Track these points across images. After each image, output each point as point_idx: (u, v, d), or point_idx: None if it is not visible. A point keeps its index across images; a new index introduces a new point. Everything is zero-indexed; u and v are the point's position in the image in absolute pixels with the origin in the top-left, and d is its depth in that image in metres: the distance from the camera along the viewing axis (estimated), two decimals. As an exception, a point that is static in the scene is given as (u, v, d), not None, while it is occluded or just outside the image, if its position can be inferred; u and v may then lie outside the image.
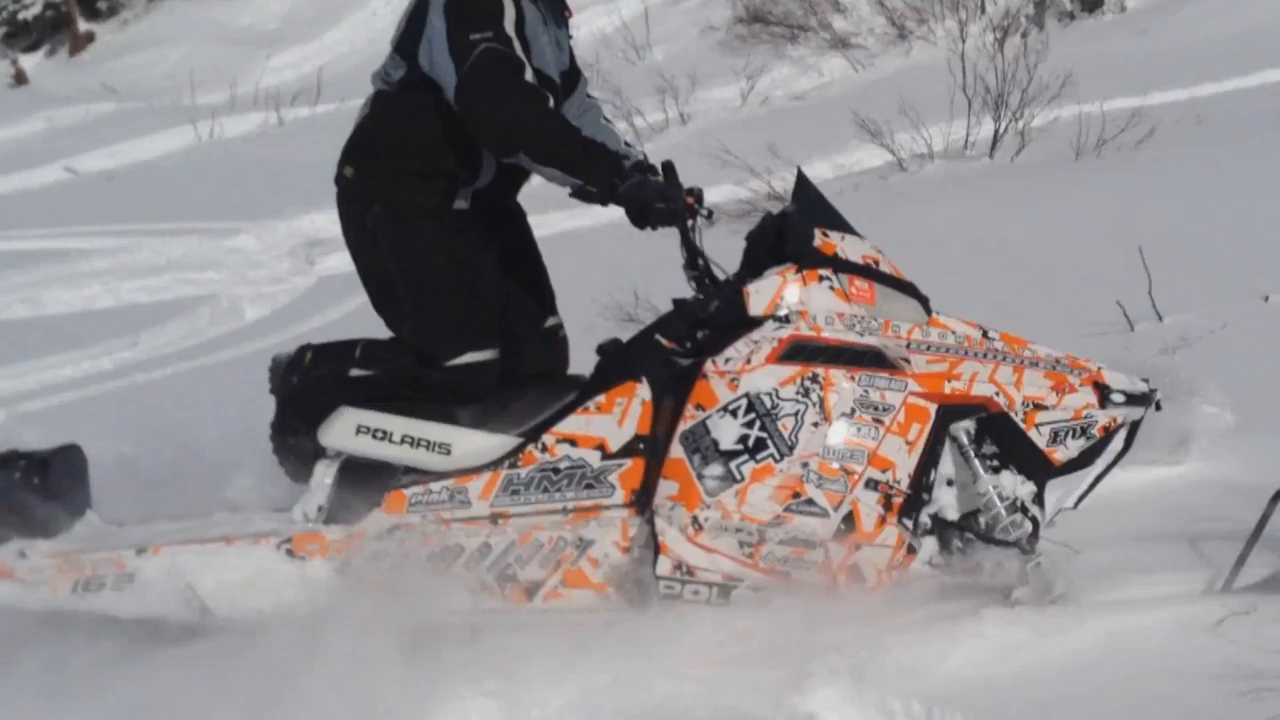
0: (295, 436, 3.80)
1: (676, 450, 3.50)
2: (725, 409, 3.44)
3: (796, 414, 3.40)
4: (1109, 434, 3.53)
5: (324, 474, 3.73)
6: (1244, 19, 13.35)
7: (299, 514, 3.72)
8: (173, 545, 3.66)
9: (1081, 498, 3.66)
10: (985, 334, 3.59)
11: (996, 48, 11.64)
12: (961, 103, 10.97)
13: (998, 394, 3.47)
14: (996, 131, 10.85)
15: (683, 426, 3.50)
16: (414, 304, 3.76)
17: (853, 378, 3.42)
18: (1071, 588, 3.43)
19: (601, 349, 3.80)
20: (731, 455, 3.43)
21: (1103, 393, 3.53)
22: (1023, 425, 3.49)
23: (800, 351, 3.45)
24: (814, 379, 3.42)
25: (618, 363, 3.72)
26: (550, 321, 4.05)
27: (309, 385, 3.83)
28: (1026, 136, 10.69)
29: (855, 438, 3.40)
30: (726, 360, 3.48)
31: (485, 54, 3.45)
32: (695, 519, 3.43)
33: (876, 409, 3.40)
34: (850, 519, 3.41)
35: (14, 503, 3.72)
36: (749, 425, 3.42)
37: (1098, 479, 3.63)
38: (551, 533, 3.57)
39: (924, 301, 3.63)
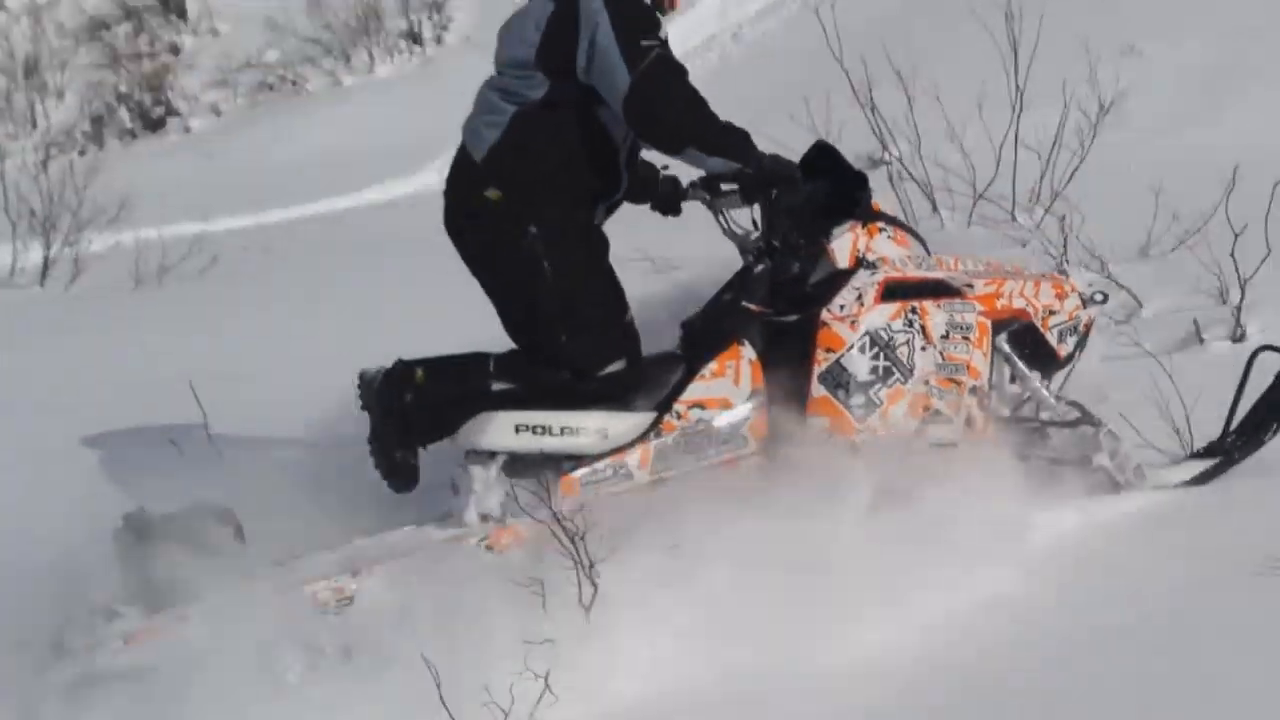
0: (407, 449, 4.00)
1: (818, 390, 4.09)
2: (853, 347, 4.09)
3: (908, 342, 4.12)
4: (1087, 329, 4.45)
5: (486, 475, 4.03)
6: (308, 145, 13.70)
7: (472, 516, 4.01)
8: (383, 563, 3.84)
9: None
10: (990, 261, 4.58)
11: (40, 167, 10.92)
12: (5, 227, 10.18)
13: (1028, 305, 4.30)
14: (46, 258, 10.20)
15: (818, 369, 4.09)
16: (571, 319, 3.97)
17: (940, 305, 4.16)
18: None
19: (687, 324, 4.31)
20: (869, 385, 4.09)
21: (1080, 296, 4.47)
22: (1042, 330, 4.31)
23: (896, 290, 4.16)
24: (914, 311, 4.14)
25: (711, 332, 4.22)
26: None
27: (440, 399, 4.01)
28: (80, 264, 10.13)
29: (955, 354, 4.15)
30: (841, 307, 4.12)
31: (658, 59, 3.79)
32: (853, 444, 4.05)
33: (962, 329, 4.17)
34: (969, 421, 4.20)
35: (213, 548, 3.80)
36: (875, 358, 4.09)
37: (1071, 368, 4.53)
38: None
39: (924, 242, 4.44)
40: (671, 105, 3.81)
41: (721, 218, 4.38)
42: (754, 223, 4.30)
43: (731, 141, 3.88)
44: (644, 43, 3.80)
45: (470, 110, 4.10)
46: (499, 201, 3.93)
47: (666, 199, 4.48)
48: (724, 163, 3.90)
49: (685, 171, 4.17)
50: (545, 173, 3.92)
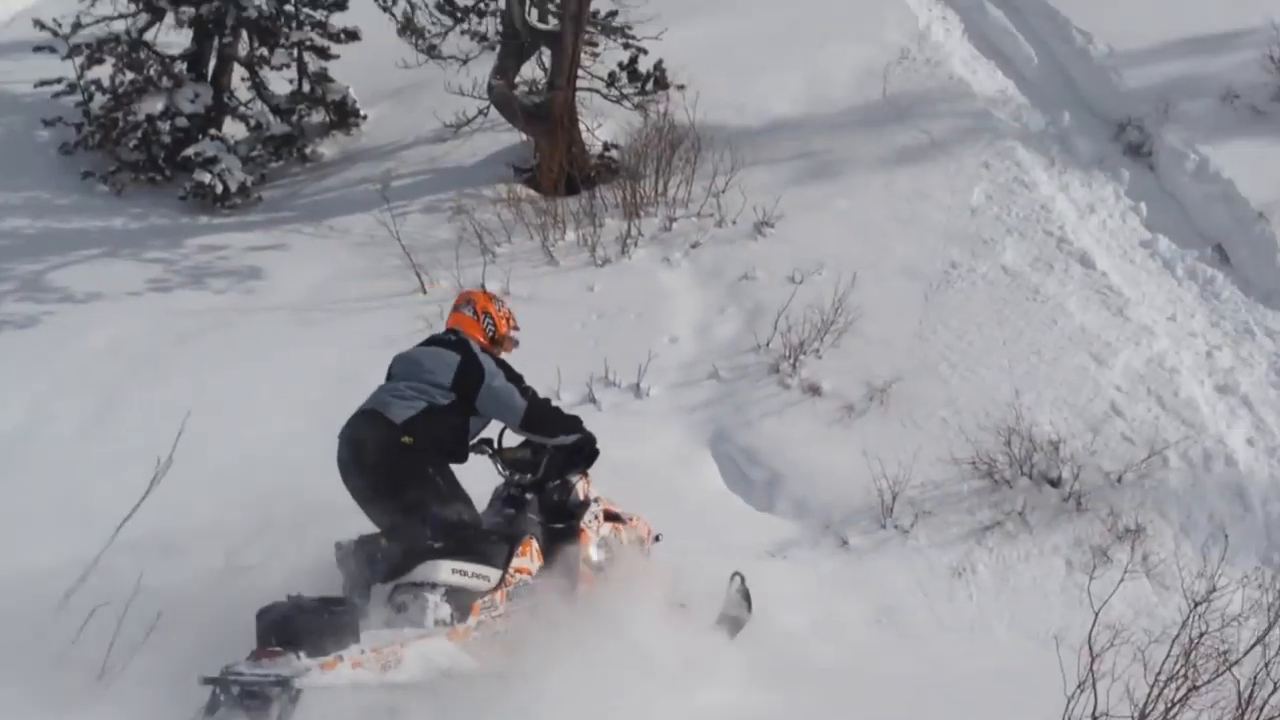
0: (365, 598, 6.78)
1: (581, 565, 7.46)
2: (593, 544, 7.60)
3: (615, 539, 7.79)
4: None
5: (436, 600, 6.86)
6: None
7: (431, 622, 6.78)
8: (410, 643, 6.52)
9: None
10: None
11: None
12: None
13: (631, 518, 8.04)
14: None
15: (583, 551, 7.47)
16: (451, 511, 6.98)
17: (624, 524, 7.91)
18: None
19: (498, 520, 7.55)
20: (601, 562, 7.59)
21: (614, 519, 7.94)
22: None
23: (608, 516, 7.83)
24: (617, 526, 7.85)
25: (515, 530, 7.35)
26: None
27: (403, 551, 6.80)
28: None
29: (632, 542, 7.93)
30: (588, 522, 7.64)
31: (534, 394, 7.43)
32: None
33: (634, 535, 7.98)
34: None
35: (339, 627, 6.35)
36: (601, 548, 7.63)
37: None
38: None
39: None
40: (553, 418, 7.54)
41: (498, 464, 7.80)
42: (499, 470, 7.88)
43: (576, 430, 7.58)
44: (524, 385, 7.43)
45: (382, 385, 7.37)
46: (410, 445, 6.99)
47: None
48: (569, 437, 7.55)
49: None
50: (439, 440, 7.17)
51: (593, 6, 16.00)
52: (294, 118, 17.14)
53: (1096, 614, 7.42)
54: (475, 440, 7.54)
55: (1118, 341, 12.03)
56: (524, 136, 16.02)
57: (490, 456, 7.76)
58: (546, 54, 16.18)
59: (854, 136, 15.77)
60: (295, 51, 17.11)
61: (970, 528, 10.21)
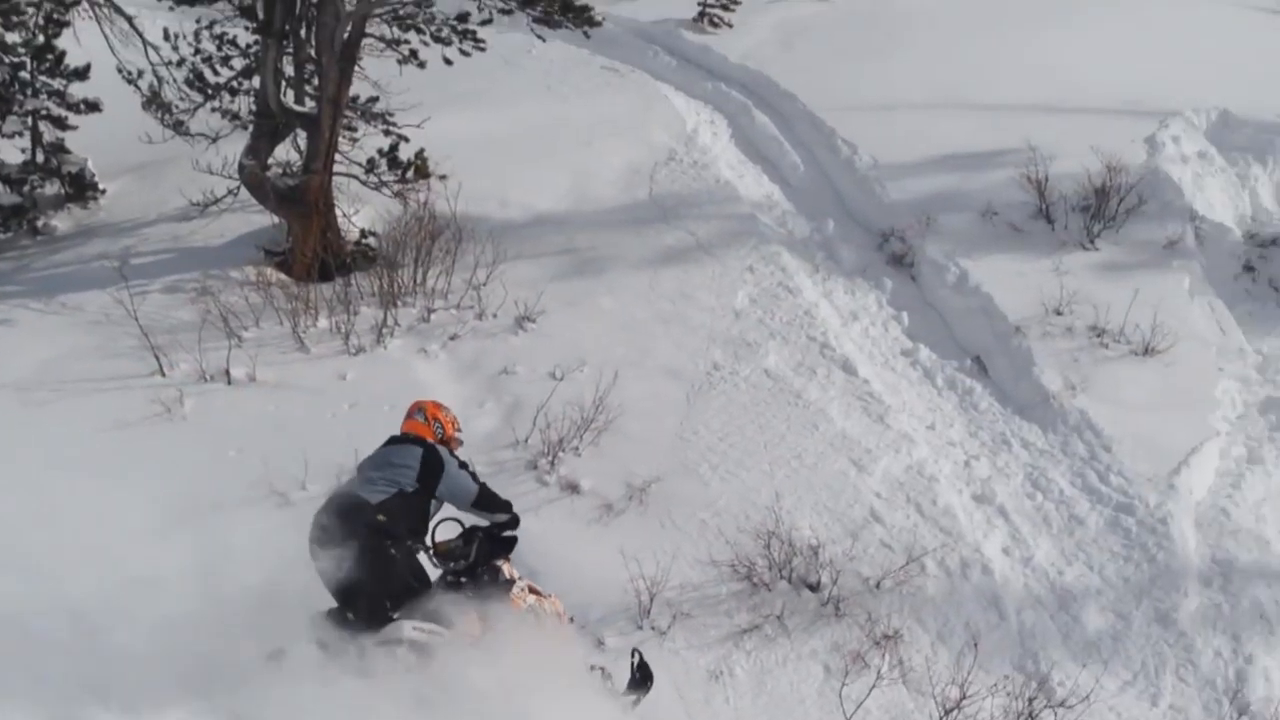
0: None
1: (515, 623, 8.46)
2: (523, 610, 8.53)
3: (539, 608, 8.65)
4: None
5: (403, 653, 8.01)
6: None
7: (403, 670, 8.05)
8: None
9: None
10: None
11: None
12: None
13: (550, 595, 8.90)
14: None
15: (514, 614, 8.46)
16: (413, 589, 8.20)
17: (545, 597, 8.75)
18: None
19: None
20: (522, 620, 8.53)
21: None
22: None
23: (532, 590, 8.70)
24: (539, 599, 8.69)
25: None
26: None
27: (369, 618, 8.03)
28: None
29: (547, 609, 8.75)
30: (518, 593, 8.56)
31: (484, 485, 8.70)
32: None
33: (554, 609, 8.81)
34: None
35: None
36: (529, 613, 8.53)
37: None
38: None
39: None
40: (500, 504, 8.72)
41: (433, 558, 8.60)
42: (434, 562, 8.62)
43: (510, 511, 8.76)
44: (476, 476, 8.69)
45: (352, 479, 8.47)
46: (384, 523, 8.04)
47: None
48: (506, 517, 8.74)
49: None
50: (410, 521, 8.30)
51: (352, 91, 15.85)
52: (25, 188, 16.51)
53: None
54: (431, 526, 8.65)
55: (878, 448, 12.33)
56: (276, 219, 15.75)
57: (425, 551, 8.59)
58: (303, 136, 15.96)
59: (619, 235, 15.94)
60: (30, 120, 16.51)
61: (728, 630, 10.23)
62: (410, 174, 16.44)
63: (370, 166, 16.34)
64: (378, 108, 16.70)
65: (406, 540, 8.24)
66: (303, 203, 15.19)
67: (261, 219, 16.01)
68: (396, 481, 8.27)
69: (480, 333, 13.92)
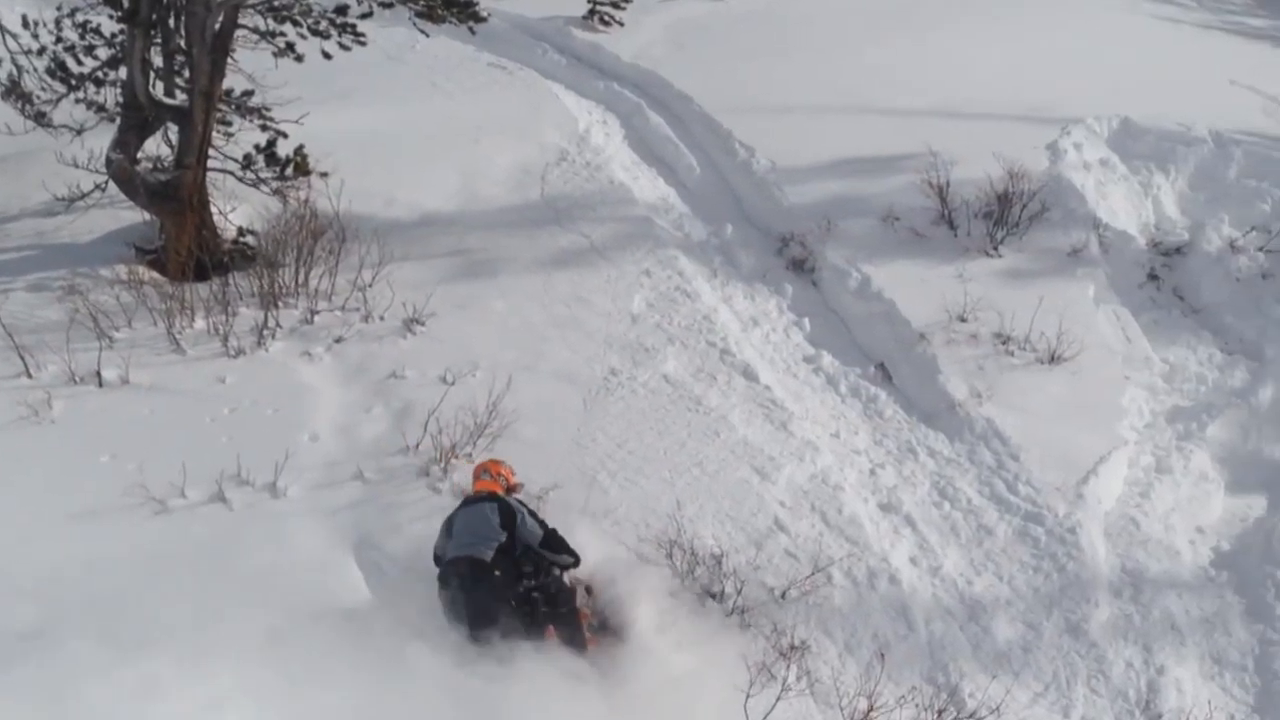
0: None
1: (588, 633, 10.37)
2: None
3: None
4: None
5: None
6: None
7: None
8: None
9: None
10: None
11: None
12: None
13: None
14: None
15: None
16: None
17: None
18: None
19: None
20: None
21: None
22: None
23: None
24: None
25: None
26: None
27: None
28: None
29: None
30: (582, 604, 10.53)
31: (552, 530, 10.54)
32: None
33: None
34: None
35: None
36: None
37: None
38: None
39: None
40: (557, 539, 10.45)
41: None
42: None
43: (574, 555, 10.49)
44: (545, 524, 10.54)
45: (460, 540, 10.19)
46: (498, 574, 9.99)
47: None
48: (571, 560, 10.49)
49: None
50: (505, 565, 10.10)
51: (226, 84, 15.65)
52: (-126, 181, 16.10)
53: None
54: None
55: (781, 456, 12.44)
56: (148, 216, 15.51)
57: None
58: (174, 130, 15.74)
59: (511, 236, 15.93)
60: (-128, 111, 16.11)
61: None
62: (289, 171, 16.22)
63: (247, 162, 16.12)
64: (254, 102, 16.49)
65: (513, 576, 10.30)
66: (176, 199, 14.96)
67: (132, 215, 15.74)
68: (491, 539, 10.20)
69: (367, 335, 13.82)
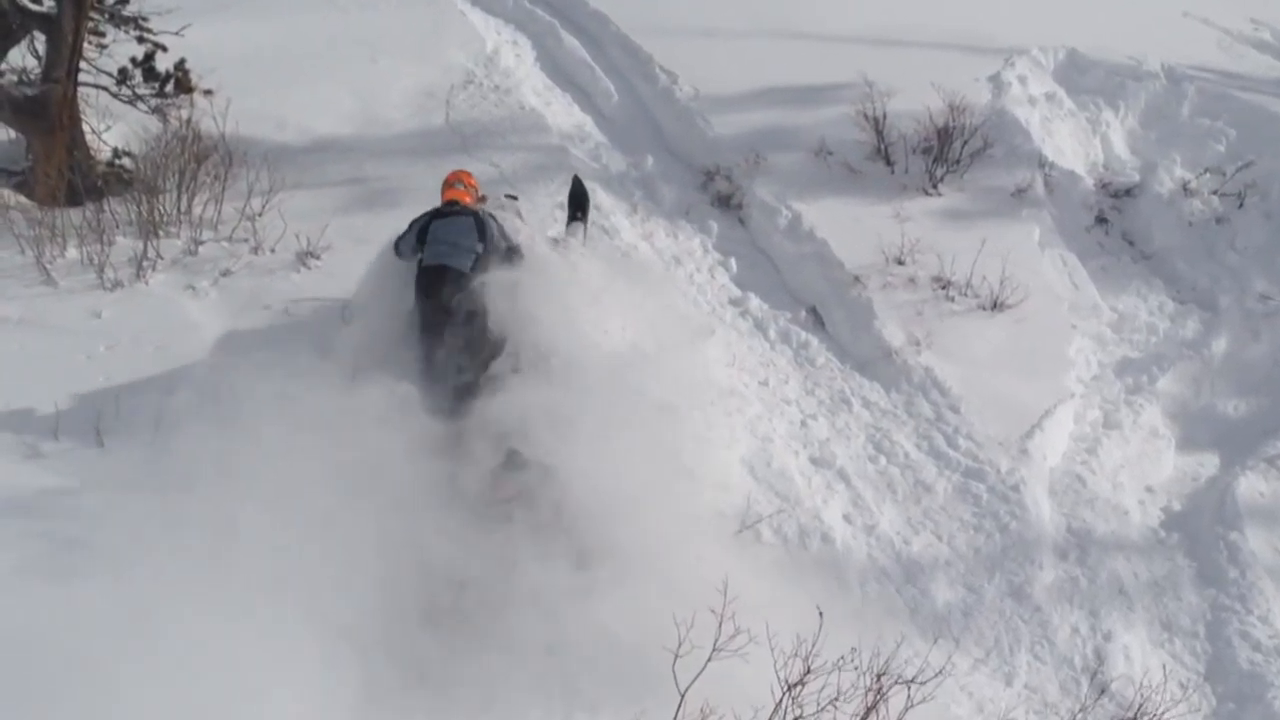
0: None
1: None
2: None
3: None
4: None
5: None
6: None
7: None
8: None
9: None
10: None
11: None
12: None
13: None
14: None
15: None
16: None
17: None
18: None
19: None
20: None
21: None
22: None
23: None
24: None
25: None
26: None
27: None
28: None
29: None
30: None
31: (516, 243, 11.99)
32: None
33: None
34: None
35: None
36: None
37: None
38: None
39: None
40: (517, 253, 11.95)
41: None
42: None
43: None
44: (509, 234, 12.01)
45: (437, 249, 11.64)
46: (479, 284, 11.34)
47: None
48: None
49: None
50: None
51: (100, -11, 15.49)
52: None
53: (683, 695, 7.66)
54: None
55: (705, 404, 12.46)
56: (12, 134, 15.29)
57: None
58: (41, 40, 15.52)
59: (413, 164, 15.82)
60: None
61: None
62: (170, 88, 16.09)
63: (122, 77, 15.96)
64: (129, 10, 16.32)
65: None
66: (43, 116, 14.74)
67: (-5, 134, 15.53)
68: (470, 252, 11.55)
69: (257, 269, 13.72)
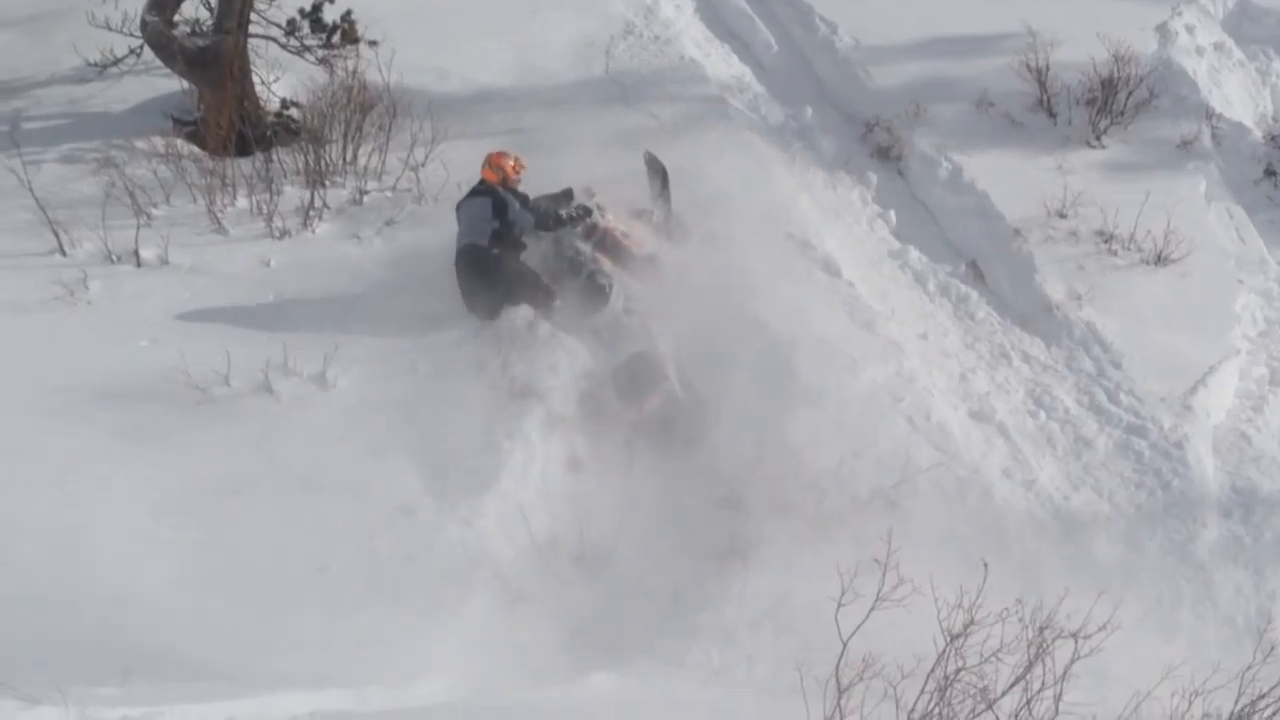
0: None
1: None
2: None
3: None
4: None
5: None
6: None
7: None
8: None
9: None
10: None
11: None
12: None
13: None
14: None
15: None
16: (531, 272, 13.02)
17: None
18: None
19: None
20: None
21: None
22: None
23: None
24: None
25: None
26: None
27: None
28: None
29: None
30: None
31: (540, 213, 13.08)
32: None
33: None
34: None
35: None
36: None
37: None
38: None
39: None
40: (548, 219, 12.99)
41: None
42: None
43: (561, 222, 13.10)
44: (529, 204, 12.95)
45: (462, 229, 12.71)
46: (499, 254, 12.60)
47: None
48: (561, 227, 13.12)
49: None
50: (507, 244, 12.72)
51: (269, -58, 15.70)
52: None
53: (845, 645, 7.65)
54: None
55: (864, 357, 12.44)
56: (185, 84, 15.57)
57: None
58: (213, -8, 15.78)
59: (573, 115, 15.88)
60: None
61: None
62: (336, 38, 16.27)
63: (291, 28, 16.16)
64: (298, -39, 16.53)
65: (515, 251, 12.81)
66: (215, 67, 14.97)
67: (168, 84, 15.81)
68: (486, 228, 12.52)
69: (419, 218, 13.93)
